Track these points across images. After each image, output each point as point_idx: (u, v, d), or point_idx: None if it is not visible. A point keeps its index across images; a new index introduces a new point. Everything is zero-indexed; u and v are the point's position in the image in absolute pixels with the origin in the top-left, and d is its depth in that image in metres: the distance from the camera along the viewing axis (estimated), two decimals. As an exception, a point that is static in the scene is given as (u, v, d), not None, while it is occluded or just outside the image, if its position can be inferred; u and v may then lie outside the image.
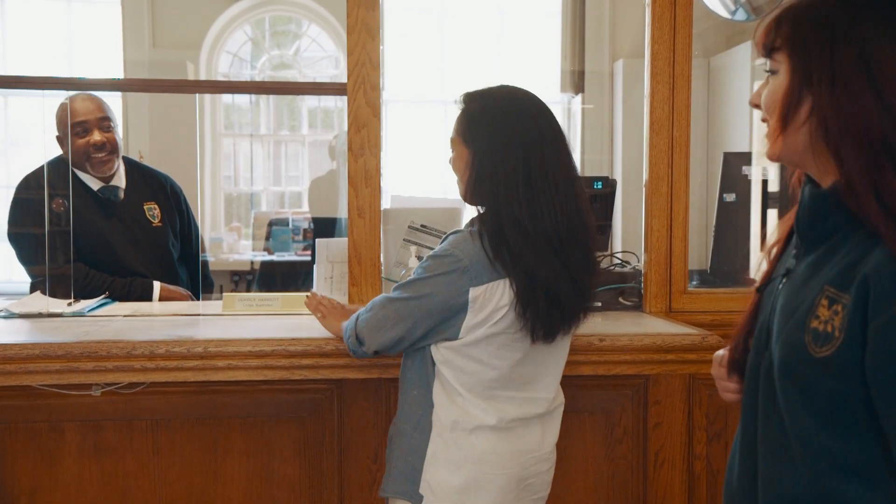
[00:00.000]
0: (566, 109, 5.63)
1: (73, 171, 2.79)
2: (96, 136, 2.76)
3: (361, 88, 2.28)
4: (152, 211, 2.89)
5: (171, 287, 2.82)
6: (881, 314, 0.95)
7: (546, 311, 1.63)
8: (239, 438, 2.23)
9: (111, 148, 2.79)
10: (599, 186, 2.62)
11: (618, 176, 5.01)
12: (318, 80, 6.03)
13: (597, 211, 2.64)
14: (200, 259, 2.94)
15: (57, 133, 2.81)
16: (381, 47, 5.11)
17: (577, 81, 5.42)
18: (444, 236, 1.77)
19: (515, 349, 1.69)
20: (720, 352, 1.37)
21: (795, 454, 1.07)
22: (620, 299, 2.46)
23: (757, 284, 1.26)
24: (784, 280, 1.16)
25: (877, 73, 1.01)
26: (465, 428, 1.69)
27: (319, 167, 5.89)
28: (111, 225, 2.81)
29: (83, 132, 2.75)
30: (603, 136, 5.36)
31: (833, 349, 1.00)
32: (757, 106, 1.14)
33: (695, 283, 2.76)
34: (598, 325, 2.21)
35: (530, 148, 1.63)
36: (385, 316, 1.71)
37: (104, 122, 2.78)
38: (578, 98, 5.48)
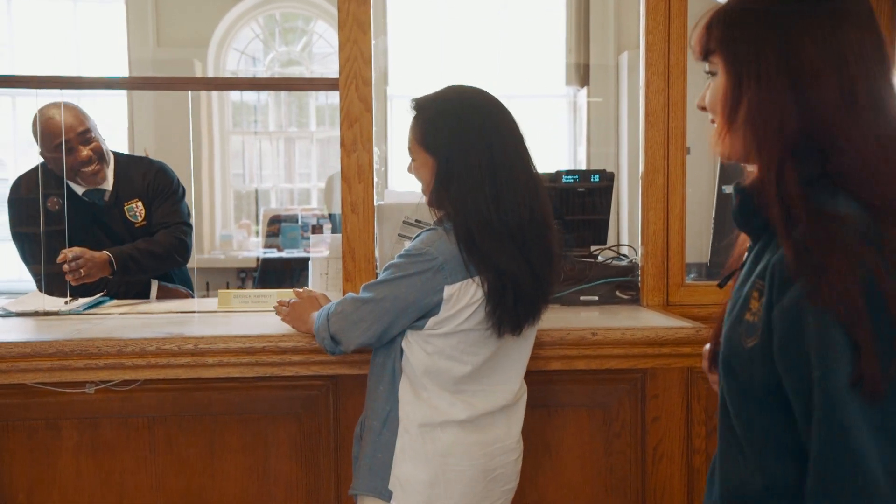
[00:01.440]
0: (571, 102, 5.60)
1: (61, 177, 2.78)
2: (83, 153, 2.72)
3: (353, 83, 2.27)
4: (133, 210, 2.84)
5: (170, 286, 2.82)
6: (780, 300, 0.97)
7: (513, 306, 1.64)
8: (235, 435, 2.23)
9: (98, 158, 2.76)
10: (597, 180, 2.60)
11: (623, 169, 4.98)
12: (327, 75, 6.02)
13: (595, 205, 2.63)
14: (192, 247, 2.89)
15: (41, 151, 2.77)
16: (386, 41, 5.08)
17: (582, 74, 5.39)
18: (415, 234, 1.77)
19: (487, 345, 1.70)
20: (707, 346, 1.39)
21: (742, 443, 1.08)
22: (618, 293, 2.45)
23: (718, 280, 1.27)
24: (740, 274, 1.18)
25: (798, 69, 1.02)
26: (432, 423, 1.70)
27: (332, 164, 5.90)
28: (97, 228, 2.80)
29: (68, 151, 2.71)
30: (609, 129, 5.33)
31: (756, 340, 1.02)
32: (703, 108, 1.16)
33: (693, 275, 2.74)
34: (594, 319, 2.20)
35: (493, 146, 1.64)
36: (360, 317, 1.70)
37: (86, 135, 2.74)
38: (584, 91, 5.45)
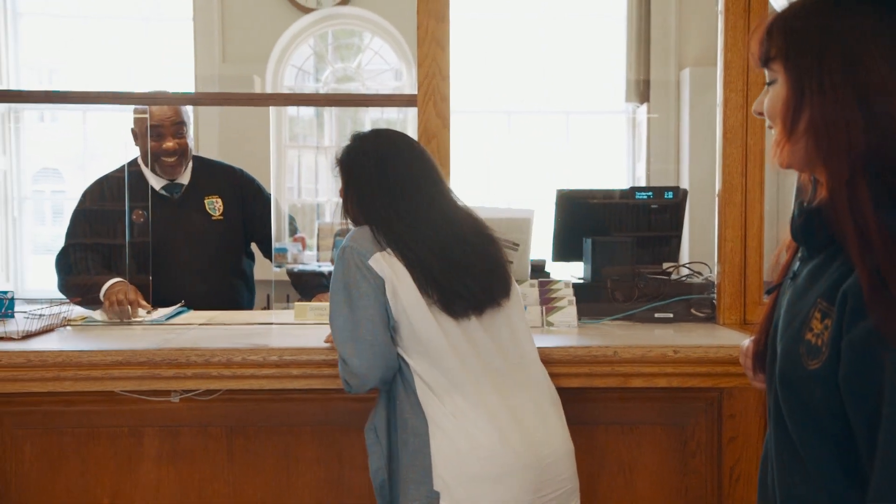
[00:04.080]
0: (630, 119, 5.59)
1: (139, 169, 2.89)
2: (169, 143, 2.85)
3: (431, 100, 2.30)
4: (213, 204, 2.94)
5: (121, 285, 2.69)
6: (851, 330, 0.95)
7: (443, 279, 1.75)
8: (311, 446, 2.25)
9: (182, 153, 2.88)
10: (671, 196, 2.59)
11: (685, 186, 4.95)
12: (380, 92, 6.09)
13: (666, 221, 2.62)
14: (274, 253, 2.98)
15: (133, 127, 2.90)
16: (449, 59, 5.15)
17: (642, 91, 5.38)
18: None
19: (440, 327, 1.74)
20: (746, 341, 1.38)
21: (803, 457, 1.07)
22: (692, 311, 2.43)
23: (769, 287, 1.25)
24: (790, 284, 1.15)
25: (865, 82, 0.99)
26: (455, 416, 1.72)
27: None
28: (169, 221, 2.87)
29: (157, 136, 2.85)
30: (669, 146, 5.30)
31: (820, 363, 1.00)
32: (761, 114, 1.14)
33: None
34: (672, 337, 2.19)
35: (385, 161, 1.86)
36: (349, 354, 1.77)
37: (178, 128, 2.87)
38: (643, 107, 5.43)
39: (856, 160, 0.99)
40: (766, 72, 1.11)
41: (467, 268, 1.78)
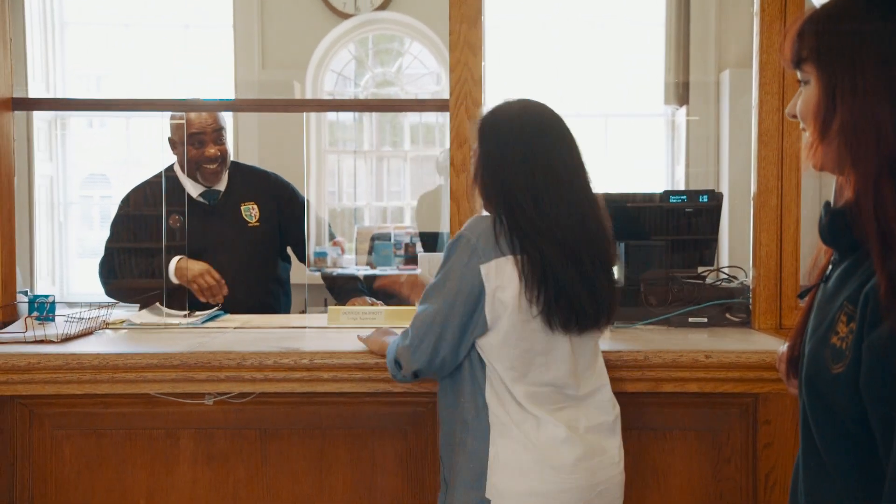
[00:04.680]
0: (670, 122, 5.54)
1: (176, 175, 2.93)
2: (211, 150, 2.88)
3: (463, 104, 2.31)
4: (250, 211, 2.96)
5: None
6: (870, 333, 0.95)
7: (557, 294, 1.65)
8: (343, 449, 2.27)
9: (223, 159, 2.91)
10: (705, 200, 2.57)
11: (724, 189, 4.89)
12: (420, 96, 6.11)
13: (702, 225, 2.59)
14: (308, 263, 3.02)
15: (171, 136, 2.94)
16: (482, 63, 5.13)
17: (681, 93, 5.33)
18: None
19: (536, 338, 1.69)
20: (783, 347, 1.36)
21: (826, 463, 1.06)
22: (727, 315, 2.40)
23: (804, 290, 1.24)
24: (822, 287, 1.15)
25: None
26: (519, 426, 1.69)
27: (424, 182, 5.97)
28: (205, 227, 2.90)
29: (198, 144, 2.87)
30: (709, 149, 5.24)
31: (843, 367, 0.99)
32: (794, 116, 1.13)
33: (807, 299, 2.67)
34: (704, 342, 2.17)
35: (532, 145, 1.70)
36: (415, 335, 1.73)
37: (218, 134, 2.90)
38: (683, 110, 5.38)
39: (884, 162, 0.98)
40: (798, 73, 1.11)
41: (592, 284, 1.70)
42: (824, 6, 1.08)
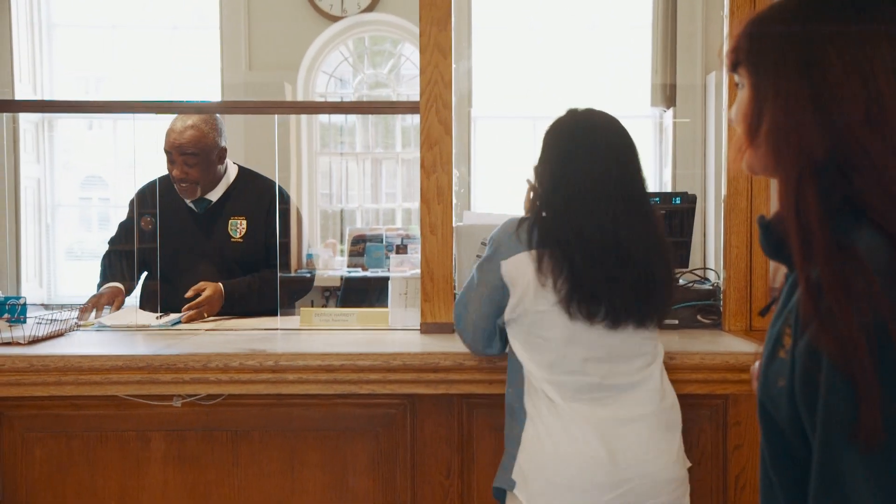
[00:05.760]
0: (657, 124, 5.54)
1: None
2: (175, 171, 2.85)
3: (434, 107, 2.31)
4: (237, 225, 2.91)
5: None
6: (797, 344, 0.94)
7: (573, 289, 1.73)
8: (314, 451, 2.27)
9: (192, 181, 2.85)
10: (678, 202, 2.57)
11: (710, 191, 4.90)
12: (413, 97, 6.12)
13: (675, 227, 2.60)
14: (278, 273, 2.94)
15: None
16: (470, 64, 5.13)
17: (668, 95, 5.34)
18: None
19: (557, 328, 1.76)
20: (756, 364, 1.35)
21: (776, 483, 1.05)
22: (698, 317, 2.41)
23: (764, 308, 1.24)
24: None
25: (821, 84, 0.97)
26: (549, 412, 1.76)
27: (417, 184, 5.97)
28: (190, 235, 2.89)
29: (170, 161, 2.86)
30: (695, 151, 5.25)
31: (785, 380, 0.97)
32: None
33: (778, 300, 2.67)
34: (673, 343, 2.17)
35: (576, 163, 1.79)
36: (457, 316, 1.95)
37: (190, 158, 2.83)
38: (670, 112, 5.38)
39: (807, 165, 0.97)
40: (735, 77, 1.11)
41: (617, 278, 1.75)
42: (760, 11, 1.08)
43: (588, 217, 1.75)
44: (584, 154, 1.79)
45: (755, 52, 1.05)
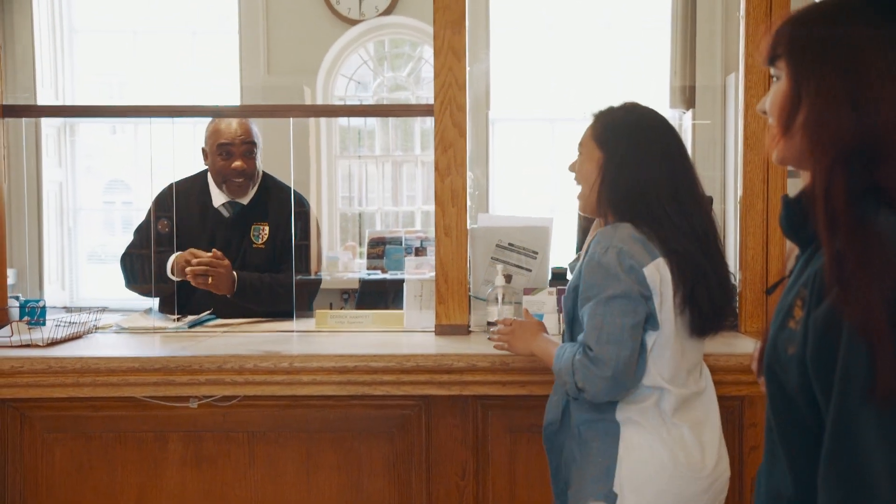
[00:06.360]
0: (677, 126, 5.51)
1: (209, 184, 2.90)
2: (237, 163, 2.82)
3: (448, 109, 2.32)
4: (259, 231, 2.89)
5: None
6: (815, 309, 1.00)
7: (703, 296, 1.69)
8: (330, 452, 2.29)
9: (250, 174, 2.84)
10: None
11: (729, 193, 4.86)
12: (431, 100, 6.13)
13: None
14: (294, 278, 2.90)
15: (203, 145, 2.91)
16: (488, 66, 5.11)
17: (687, 97, 5.30)
18: (588, 247, 1.76)
19: (674, 337, 1.72)
20: (758, 345, 1.39)
21: (779, 452, 1.10)
22: (715, 319, 2.39)
23: (770, 285, 1.29)
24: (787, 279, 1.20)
25: (859, 82, 1.03)
26: (649, 426, 1.72)
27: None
28: (215, 239, 2.86)
29: (226, 155, 2.82)
30: (715, 153, 5.21)
31: (795, 348, 1.03)
32: (764, 112, 1.18)
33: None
34: (688, 346, 2.16)
35: (669, 149, 1.73)
36: (609, 357, 1.66)
37: (248, 148, 2.83)
38: (689, 114, 5.35)
39: (840, 154, 1.03)
40: (772, 69, 1.16)
41: (723, 287, 1.75)
42: (801, 9, 1.14)
43: (697, 217, 1.71)
44: (678, 151, 1.75)
45: (797, 48, 1.10)
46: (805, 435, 1.05)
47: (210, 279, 2.66)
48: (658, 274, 1.67)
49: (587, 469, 1.75)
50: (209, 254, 2.70)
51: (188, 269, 2.65)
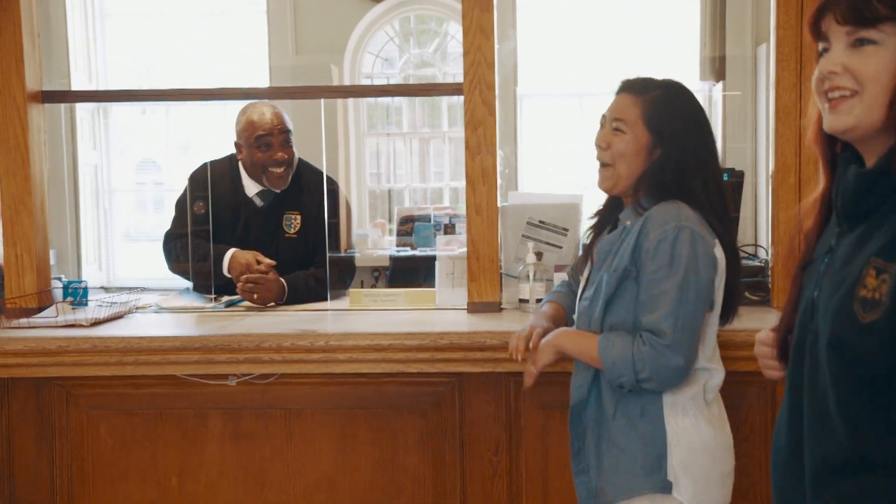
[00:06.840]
0: (707, 97, 5.46)
1: (240, 172, 2.87)
2: (278, 153, 2.77)
3: (477, 88, 2.33)
4: (291, 220, 2.86)
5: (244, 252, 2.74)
6: None
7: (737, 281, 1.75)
8: (365, 428, 2.33)
9: (289, 163, 2.81)
10: (725, 178, 2.55)
11: (761, 165, 4.82)
12: (458, 75, 6.11)
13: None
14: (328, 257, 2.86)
15: (236, 140, 2.85)
16: (515, 42, 5.11)
17: (717, 68, 5.24)
18: (649, 217, 1.69)
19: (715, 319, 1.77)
20: (762, 332, 1.40)
21: (836, 423, 1.09)
22: (746, 294, 2.40)
23: (799, 262, 1.27)
24: (826, 259, 1.17)
25: None
26: (700, 403, 1.73)
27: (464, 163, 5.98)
28: (248, 226, 2.87)
29: (265, 147, 2.77)
30: (745, 124, 5.16)
31: (878, 315, 1.02)
32: (834, 73, 1.12)
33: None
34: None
35: (713, 144, 1.76)
36: (685, 346, 1.64)
37: (286, 137, 2.80)
38: (719, 86, 5.30)
39: None
40: (861, 32, 1.09)
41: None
42: None
43: (722, 200, 1.74)
44: (710, 130, 1.78)
45: None
46: (876, 403, 1.04)
47: (255, 295, 2.61)
48: (723, 256, 1.69)
49: (634, 458, 1.71)
50: (271, 261, 2.65)
51: (242, 277, 2.61)
